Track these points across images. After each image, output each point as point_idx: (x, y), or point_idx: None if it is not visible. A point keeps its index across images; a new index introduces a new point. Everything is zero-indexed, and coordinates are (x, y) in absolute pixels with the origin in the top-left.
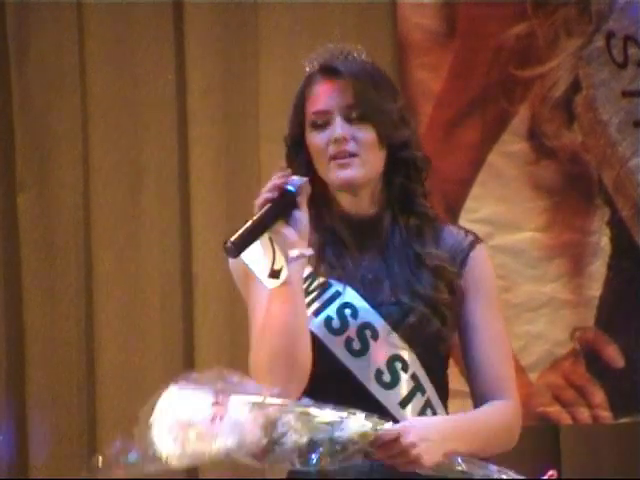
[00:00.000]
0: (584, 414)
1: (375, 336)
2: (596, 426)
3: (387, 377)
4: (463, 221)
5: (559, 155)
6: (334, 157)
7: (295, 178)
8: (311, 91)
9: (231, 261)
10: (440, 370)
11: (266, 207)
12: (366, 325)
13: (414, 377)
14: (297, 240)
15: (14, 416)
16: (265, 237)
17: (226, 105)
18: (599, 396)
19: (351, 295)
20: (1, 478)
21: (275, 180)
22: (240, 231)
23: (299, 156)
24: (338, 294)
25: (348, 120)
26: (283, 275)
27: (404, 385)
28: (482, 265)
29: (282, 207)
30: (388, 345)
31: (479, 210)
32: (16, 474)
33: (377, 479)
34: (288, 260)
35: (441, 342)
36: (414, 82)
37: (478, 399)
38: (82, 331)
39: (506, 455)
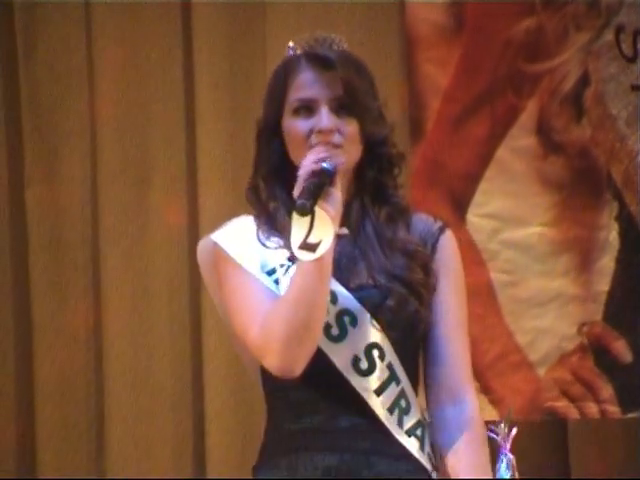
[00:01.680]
0: (592, 409)
1: (354, 323)
2: (604, 421)
3: (364, 364)
4: (471, 216)
5: (568, 150)
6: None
7: (331, 160)
8: (296, 77)
9: (199, 249)
10: (413, 360)
11: (314, 178)
12: (345, 311)
13: (390, 366)
14: (336, 217)
15: (23, 412)
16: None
17: (234, 101)
18: (607, 391)
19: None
20: (8, 478)
21: (320, 155)
22: (305, 192)
23: (273, 140)
24: None
25: (334, 111)
26: (321, 249)
27: (380, 373)
28: (452, 250)
29: (323, 183)
30: (366, 332)
31: (487, 205)
32: (24, 468)
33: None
34: (331, 237)
35: (420, 324)
36: (422, 77)
37: (438, 387)
38: (90, 326)
39: (514, 450)
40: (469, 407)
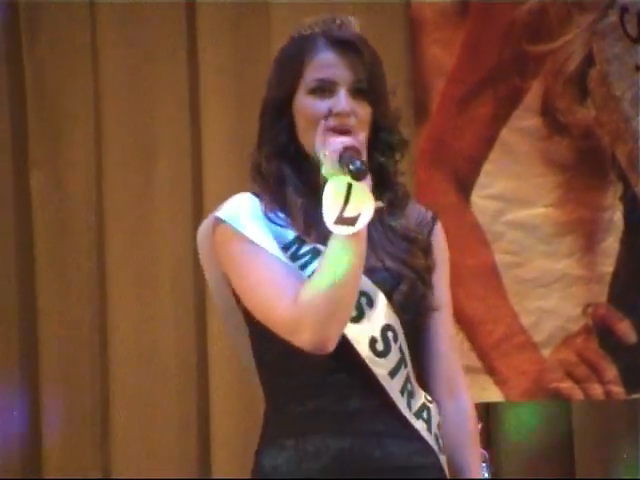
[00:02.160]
0: (596, 390)
1: (370, 304)
2: (608, 402)
3: (380, 345)
4: (475, 197)
5: (572, 131)
6: (332, 129)
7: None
8: (314, 56)
9: (201, 229)
10: (414, 345)
11: (348, 153)
12: (361, 293)
13: (400, 349)
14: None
15: (28, 396)
16: (341, 184)
17: (238, 85)
18: (611, 372)
19: None
20: (14, 478)
21: (344, 136)
22: (348, 158)
23: (281, 118)
24: None
25: (351, 94)
26: (362, 222)
27: (394, 355)
28: (443, 239)
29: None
30: (382, 314)
31: (492, 186)
32: (29, 453)
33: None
34: (371, 210)
35: (427, 308)
36: (427, 59)
37: (436, 379)
38: (94, 311)
39: (518, 431)
40: (466, 400)
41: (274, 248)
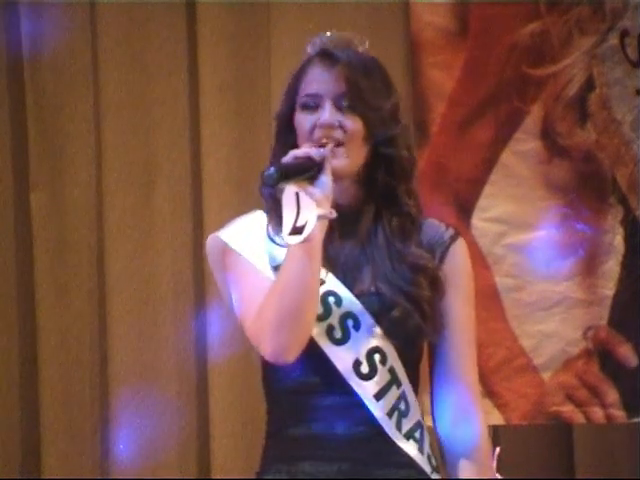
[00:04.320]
0: (597, 413)
1: (357, 326)
2: (610, 425)
3: (365, 368)
4: (476, 220)
5: (572, 154)
6: (315, 141)
7: (320, 149)
8: (307, 73)
9: (208, 243)
10: (414, 367)
11: (299, 161)
12: (349, 315)
13: (391, 370)
14: (323, 200)
15: (27, 415)
16: (291, 193)
17: (238, 104)
18: (612, 395)
19: (334, 283)
20: (13, 478)
21: (307, 148)
22: (281, 164)
23: (288, 135)
24: (322, 282)
25: (338, 108)
26: (306, 231)
27: (381, 378)
28: (462, 259)
29: (309, 169)
30: (369, 337)
31: (492, 209)
32: (29, 472)
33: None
34: (314, 217)
35: (421, 337)
36: (427, 81)
37: (448, 405)
38: (95, 330)
39: (520, 455)
40: (478, 430)
41: (264, 266)
